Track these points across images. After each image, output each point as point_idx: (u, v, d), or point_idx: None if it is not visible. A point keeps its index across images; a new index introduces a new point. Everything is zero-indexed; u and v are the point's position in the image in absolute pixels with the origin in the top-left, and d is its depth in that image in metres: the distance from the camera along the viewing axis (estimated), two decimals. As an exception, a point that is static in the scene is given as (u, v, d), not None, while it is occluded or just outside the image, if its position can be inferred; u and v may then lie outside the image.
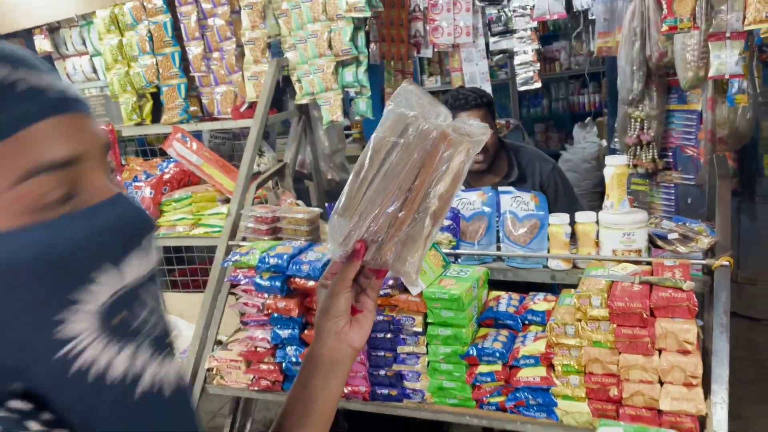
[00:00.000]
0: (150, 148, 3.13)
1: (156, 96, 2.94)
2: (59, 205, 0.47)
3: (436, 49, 3.08)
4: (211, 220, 2.36)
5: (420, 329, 1.68)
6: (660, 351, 1.47)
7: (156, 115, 2.97)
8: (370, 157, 0.75)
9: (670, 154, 3.69)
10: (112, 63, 2.91)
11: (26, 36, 3.20)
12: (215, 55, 2.75)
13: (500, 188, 1.91)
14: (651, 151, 3.68)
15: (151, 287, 0.51)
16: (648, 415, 1.49)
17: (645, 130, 3.67)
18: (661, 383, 1.47)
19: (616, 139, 3.80)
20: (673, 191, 3.67)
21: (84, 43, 3.11)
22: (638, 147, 3.70)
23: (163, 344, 0.51)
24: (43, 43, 3.13)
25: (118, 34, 2.88)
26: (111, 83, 2.95)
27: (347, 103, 2.83)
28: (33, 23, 3.07)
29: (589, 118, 5.12)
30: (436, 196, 0.74)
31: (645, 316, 1.44)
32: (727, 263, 1.57)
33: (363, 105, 2.64)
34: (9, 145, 0.45)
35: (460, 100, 2.27)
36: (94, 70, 3.15)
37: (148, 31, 2.77)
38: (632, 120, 3.68)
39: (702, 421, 1.45)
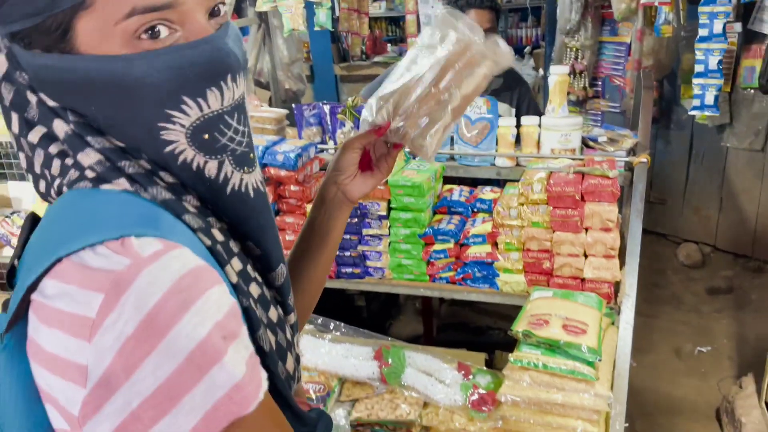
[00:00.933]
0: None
1: None
2: (159, 39, 0.57)
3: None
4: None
5: (384, 213, 1.90)
6: (586, 229, 1.75)
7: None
8: (412, 56, 0.87)
9: (600, 83, 4.00)
10: None
11: None
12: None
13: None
14: (583, 79, 3.98)
15: (235, 115, 0.61)
16: (573, 283, 1.79)
17: (579, 60, 3.94)
18: (586, 256, 1.77)
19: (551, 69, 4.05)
20: (600, 118, 4.00)
21: None
22: (572, 76, 3.98)
23: (246, 159, 0.64)
24: None
25: None
26: None
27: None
28: None
29: (527, 49, 5.35)
30: (460, 93, 0.87)
31: (576, 198, 1.71)
32: (645, 160, 1.86)
33: (323, 16, 2.75)
34: None
35: None
36: None
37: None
38: (568, 49, 3.94)
39: (616, 286, 1.76)
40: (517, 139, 2.06)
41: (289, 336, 0.71)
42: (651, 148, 4.07)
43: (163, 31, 0.57)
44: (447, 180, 2.11)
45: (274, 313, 0.69)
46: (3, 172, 2.88)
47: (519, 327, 1.59)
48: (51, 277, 0.53)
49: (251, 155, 0.65)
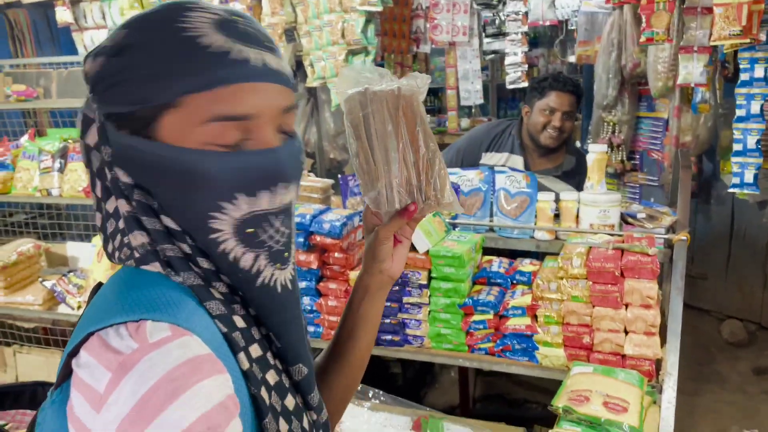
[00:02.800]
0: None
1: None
2: (230, 144, 0.65)
3: (434, 45, 3.36)
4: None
5: (424, 282, 1.95)
6: (626, 305, 1.77)
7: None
8: (354, 136, 0.85)
9: (637, 157, 4.05)
10: None
11: (48, 6, 3.36)
12: None
13: (497, 168, 2.20)
14: (620, 153, 4.03)
15: (281, 217, 0.69)
16: (614, 359, 1.79)
17: (616, 134, 4.01)
18: (626, 332, 1.78)
19: (589, 141, 4.12)
20: (638, 191, 4.03)
21: (103, 17, 3.27)
22: (609, 149, 4.04)
23: (281, 257, 0.70)
24: (64, 14, 3.28)
25: (141, 9, 3.07)
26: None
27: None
28: (56, -5, 3.23)
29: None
30: (429, 140, 0.85)
31: (616, 275, 1.74)
32: (684, 238, 1.89)
33: (369, 91, 2.89)
34: (208, 95, 0.63)
35: (559, 82, 2.64)
36: (111, 43, 3.32)
37: (170, 9, 2.97)
38: (605, 124, 4.01)
39: (658, 364, 1.76)
40: (557, 214, 2.11)
41: (306, 426, 0.74)
42: (691, 222, 4.05)
43: (235, 136, 0.66)
44: (486, 251, 2.16)
45: (291, 401, 0.72)
46: (63, 232, 3.05)
47: (559, 402, 1.59)
48: (84, 348, 0.61)
49: (286, 254, 0.72)
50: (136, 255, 0.67)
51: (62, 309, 2.62)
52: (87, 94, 0.70)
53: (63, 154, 2.87)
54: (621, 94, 3.88)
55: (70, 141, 2.94)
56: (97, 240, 2.66)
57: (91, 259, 2.67)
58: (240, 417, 0.61)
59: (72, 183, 2.76)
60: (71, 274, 2.72)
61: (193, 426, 0.56)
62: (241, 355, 0.66)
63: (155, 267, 0.67)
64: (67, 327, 2.71)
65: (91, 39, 3.37)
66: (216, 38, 0.64)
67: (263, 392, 0.67)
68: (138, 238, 0.67)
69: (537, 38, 7.16)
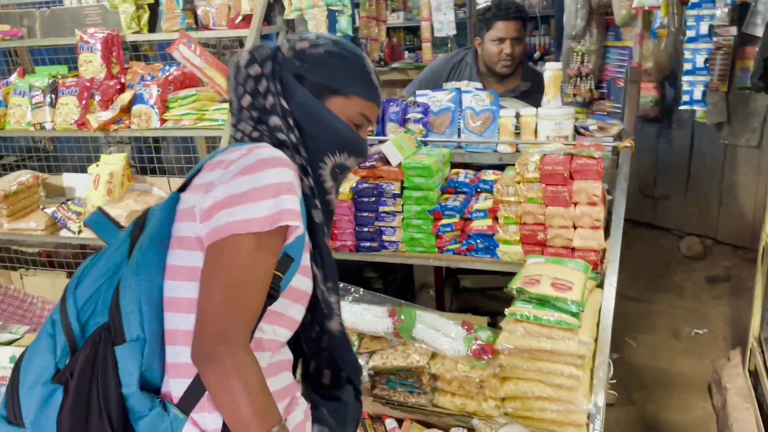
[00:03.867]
0: (143, 54, 3.45)
1: (152, 7, 3.23)
2: (356, 129, 1.21)
3: (407, -22, 3.46)
4: (215, 115, 2.74)
5: (398, 192, 2.15)
6: (575, 204, 1.99)
7: (152, 24, 3.27)
8: None
9: (605, 85, 4.22)
10: None
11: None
12: None
13: (463, 88, 2.38)
14: (589, 82, 4.18)
15: (347, 171, 1.25)
16: (564, 252, 2.03)
17: (585, 63, 4.16)
18: (575, 227, 2.01)
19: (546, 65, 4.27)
20: (606, 118, 4.22)
21: (82, -46, 3.34)
22: (578, 78, 4.19)
23: (337, 191, 1.25)
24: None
25: (119, -51, 3.14)
26: (111, -6, 3.21)
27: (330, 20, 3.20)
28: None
29: (537, 53, 5.60)
30: None
31: (566, 176, 1.96)
32: (629, 144, 2.10)
33: (344, 23, 3.02)
34: (362, 101, 1.19)
35: (501, 10, 2.77)
36: (91, -19, 3.39)
37: (148, -54, 3.05)
38: (574, 54, 4.15)
39: (602, 254, 2.00)
40: (518, 129, 2.31)
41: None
42: (654, 146, 4.29)
43: (360, 126, 1.22)
44: (454, 165, 2.37)
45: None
46: (58, 164, 3.20)
47: (514, 285, 1.84)
48: (222, 153, 1.10)
49: (338, 191, 1.27)
50: (275, 142, 1.13)
51: (64, 233, 2.81)
52: (276, 48, 1.19)
53: (53, 89, 2.99)
54: (589, 24, 4.01)
55: (59, 77, 3.06)
56: (93, 168, 2.82)
57: (87, 187, 2.84)
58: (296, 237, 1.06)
59: (64, 116, 2.90)
60: (69, 202, 2.89)
61: (283, 183, 1.01)
62: (314, 212, 1.13)
63: (286, 153, 1.11)
64: (70, 250, 2.91)
65: (71, -23, 3.44)
66: (375, 78, 1.22)
67: (325, 243, 1.15)
68: (282, 136, 1.13)
69: (513, -27, 7.21)
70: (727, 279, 3.75)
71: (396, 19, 6.92)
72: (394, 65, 5.49)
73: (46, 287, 2.87)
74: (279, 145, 1.10)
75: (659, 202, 4.35)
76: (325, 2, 2.95)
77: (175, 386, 0.97)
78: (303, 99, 1.13)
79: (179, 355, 0.97)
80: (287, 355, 1.15)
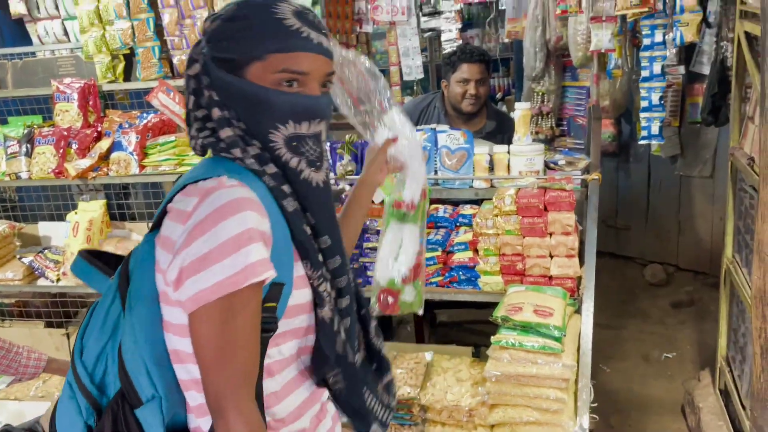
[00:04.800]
0: (119, 103, 3.49)
1: (128, 57, 3.30)
2: (291, 86, 1.01)
3: (375, 25, 3.62)
4: (194, 160, 2.79)
5: (381, 228, 2.23)
6: (550, 234, 2.10)
7: (127, 74, 3.33)
8: None
9: (565, 123, 4.44)
10: (89, 26, 3.23)
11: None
12: (188, 21, 3.14)
13: (438, 129, 2.50)
14: (550, 120, 4.41)
15: (313, 138, 1.04)
16: (543, 280, 2.13)
17: (545, 103, 4.38)
18: (551, 257, 2.12)
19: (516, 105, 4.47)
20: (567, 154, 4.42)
21: (57, 8, 3.40)
22: (539, 117, 4.41)
23: (314, 163, 1.05)
24: (17, 6, 3.39)
25: (95, 0, 3.22)
26: (86, 44, 3.26)
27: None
28: (8, -13, 3.33)
29: (498, 95, 5.83)
30: None
31: (540, 208, 2.07)
32: (596, 177, 2.24)
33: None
34: (284, 56, 0.99)
35: (466, 54, 2.94)
36: (65, 33, 3.45)
37: (125, -2, 3.13)
38: (535, 94, 4.38)
39: (578, 281, 2.10)
40: (491, 166, 2.43)
41: (339, 287, 1.09)
42: (613, 179, 4.48)
43: (294, 84, 1.02)
44: (433, 201, 2.47)
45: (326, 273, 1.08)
46: (34, 213, 3.19)
47: (498, 314, 1.92)
48: (180, 193, 0.99)
49: (318, 163, 1.07)
50: (222, 145, 1.02)
51: (41, 282, 2.79)
52: (198, 41, 1.06)
53: (29, 139, 3.00)
54: (548, 66, 4.24)
55: (34, 126, 3.07)
56: (71, 216, 2.83)
57: (66, 235, 2.83)
58: (275, 254, 0.96)
59: (41, 165, 2.91)
60: (47, 251, 2.88)
61: (241, 234, 0.91)
62: (287, 200, 1.01)
63: (235, 152, 1.00)
64: (48, 299, 2.88)
65: (44, 29, 3.50)
66: (294, 21, 1.00)
67: (303, 230, 1.02)
68: (226, 132, 1.02)
69: (471, 19, 7.51)
70: (690, 304, 3.91)
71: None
72: (363, 108, 5.63)
73: (23, 337, 2.83)
74: (229, 146, 1.00)
75: (621, 232, 4.53)
76: (300, 50, 3.06)
77: (204, 423, 1.00)
78: (223, 82, 1.01)
79: (197, 399, 0.99)
80: (304, 362, 1.09)
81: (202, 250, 0.90)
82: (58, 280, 2.75)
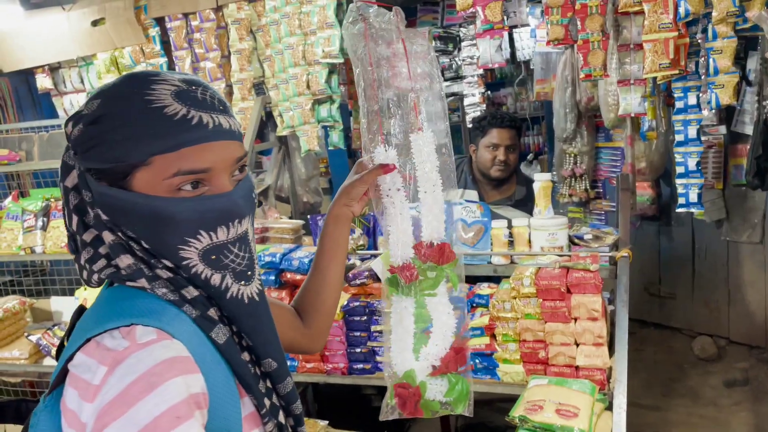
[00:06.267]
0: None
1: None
2: (194, 191, 0.80)
3: (396, 91, 3.55)
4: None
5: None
6: (575, 319, 1.90)
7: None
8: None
9: (600, 184, 4.24)
10: (105, 72, 3.27)
11: (29, 73, 3.53)
12: (202, 64, 3.12)
13: (458, 199, 2.36)
14: (584, 182, 4.22)
15: (237, 244, 0.83)
16: (568, 371, 1.91)
17: (578, 164, 4.21)
18: (577, 345, 1.90)
19: (554, 172, 4.32)
20: (603, 217, 4.20)
21: (82, 81, 3.45)
22: (573, 179, 4.23)
23: (244, 276, 0.85)
24: (44, 81, 3.46)
25: (116, 74, 3.25)
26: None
27: (322, 135, 3.25)
28: (36, 63, 3.40)
29: (531, 155, 5.68)
30: None
31: (562, 291, 1.88)
32: (626, 254, 2.03)
33: (336, 137, 3.07)
34: (174, 155, 0.78)
35: (496, 119, 2.89)
36: (90, 106, 3.48)
37: (145, 71, 3.16)
38: (567, 155, 4.22)
39: (608, 372, 1.88)
40: (512, 240, 2.26)
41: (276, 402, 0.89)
42: (655, 244, 4.21)
43: (196, 186, 0.81)
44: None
45: (262, 385, 0.87)
46: (47, 288, 3.15)
47: (516, 413, 1.71)
48: (81, 351, 0.75)
49: (249, 273, 0.86)
50: (124, 273, 0.82)
51: (47, 362, 2.70)
52: (67, 146, 0.84)
53: (45, 212, 2.99)
54: (579, 127, 4.09)
55: (52, 200, 3.06)
56: (80, 292, 2.76)
57: (74, 311, 2.76)
58: (218, 404, 0.76)
59: (54, 239, 2.88)
60: (56, 327, 2.81)
61: (163, 415, 0.69)
62: (216, 330, 0.81)
63: (142, 283, 0.80)
64: (52, 379, 2.78)
65: (70, 102, 3.54)
66: (177, 107, 0.78)
67: (241, 361, 0.83)
68: (125, 260, 0.81)
69: (504, 78, 7.47)
70: (745, 382, 3.56)
71: (393, 127, 7.08)
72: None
73: (26, 419, 2.73)
74: (132, 276, 0.81)
75: (666, 301, 4.23)
76: (317, 119, 3.00)
77: None
78: (108, 197, 0.80)
79: None
80: None
81: None
82: (64, 358, 2.66)
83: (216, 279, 0.82)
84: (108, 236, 0.82)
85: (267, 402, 0.86)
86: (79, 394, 0.72)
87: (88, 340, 0.75)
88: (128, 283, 0.82)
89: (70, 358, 0.76)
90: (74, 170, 0.83)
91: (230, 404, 0.80)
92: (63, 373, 0.77)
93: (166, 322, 0.77)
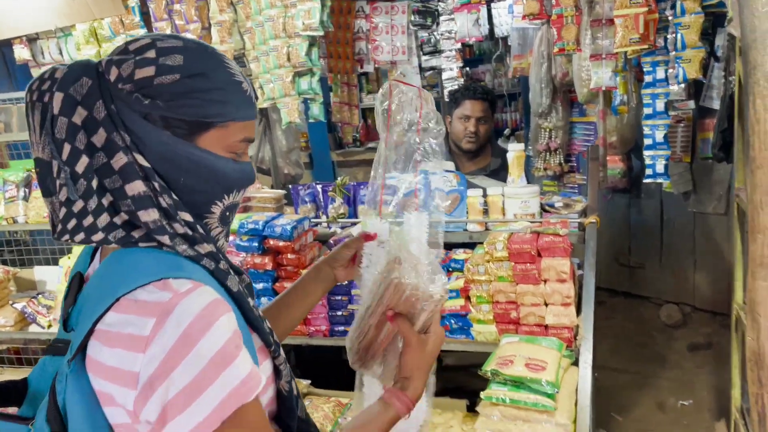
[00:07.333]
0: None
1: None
2: (239, 156, 0.92)
3: (376, 65, 3.61)
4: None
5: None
6: (545, 281, 2.01)
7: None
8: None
9: (574, 158, 4.35)
10: (84, 43, 3.27)
11: (5, 44, 3.51)
12: (182, 35, 3.15)
13: (472, 177, 2.44)
14: (558, 156, 4.33)
15: (235, 208, 0.97)
16: (538, 330, 2.02)
17: (553, 139, 4.31)
18: (546, 305, 2.01)
19: (530, 146, 4.42)
20: (577, 191, 4.31)
21: (60, 53, 3.44)
22: (548, 153, 4.34)
23: (228, 232, 0.99)
24: (21, 52, 3.44)
25: (95, 45, 3.25)
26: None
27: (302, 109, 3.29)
28: (14, 34, 3.37)
29: (508, 130, 5.78)
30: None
31: (533, 254, 1.98)
32: (594, 221, 2.14)
33: (316, 110, 3.12)
34: (242, 124, 0.90)
35: (470, 90, 2.95)
36: (69, 77, 3.47)
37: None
38: (542, 130, 4.31)
39: (576, 330, 2.00)
40: (486, 208, 2.35)
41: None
42: (626, 216, 4.35)
43: (242, 154, 0.95)
44: (426, 245, 2.38)
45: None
46: (30, 257, 3.17)
47: (488, 367, 1.82)
48: (114, 310, 0.78)
49: (228, 237, 1.01)
50: (138, 236, 0.84)
51: (33, 329, 2.75)
52: (107, 68, 0.85)
53: (27, 183, 3.00)
54: (554, 102, 4.18)
55: (32, 171, 3.08)
56: (64, 261, 2.80)
57: (59, 280, 2.80)
58: (244, 340, 0.83)
59: (37, 210, 2.90)
60: (40, 296, 2.85)
61: (225, 345, 0.78)
62: (230, 279, 0.88)
63: (164, 239, 0.84)
64: (39, 346, 2.84)
65: (49, 74, 3.53)
66: (246, 85, 0.92)
67: (250, 306, 0.90)
68: (151, 215, 0.83)
69: (482, 54, 7.53)
70: (708, 346, 3.74)
71: (371, 100, 7.13)
72: (370, 145, 5.63)
73: (13, 385, 2.77)
74: (152, 232, 0.83)
75: (635, 271, 4.38)
76: (297, 91, 3.04)
77: None
78: (167, 148, 0.85)
79: None
80: None
81: (186, 379, 0.75)
82: (49, 326, 2.71)
83: (217, 231, 0.95)
84: (137, 187, 0.83)
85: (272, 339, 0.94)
86: (125, 348, 0.76)
87: (118, 300, 0.78)
88: (141, 245, 0.84)
89: (99, 319, 0.78)
90: (99, 100, 0.82)
91: (248, 342, 0.87)
92: (88, 336, 0.80)
93: (192, 272, 0.82)
